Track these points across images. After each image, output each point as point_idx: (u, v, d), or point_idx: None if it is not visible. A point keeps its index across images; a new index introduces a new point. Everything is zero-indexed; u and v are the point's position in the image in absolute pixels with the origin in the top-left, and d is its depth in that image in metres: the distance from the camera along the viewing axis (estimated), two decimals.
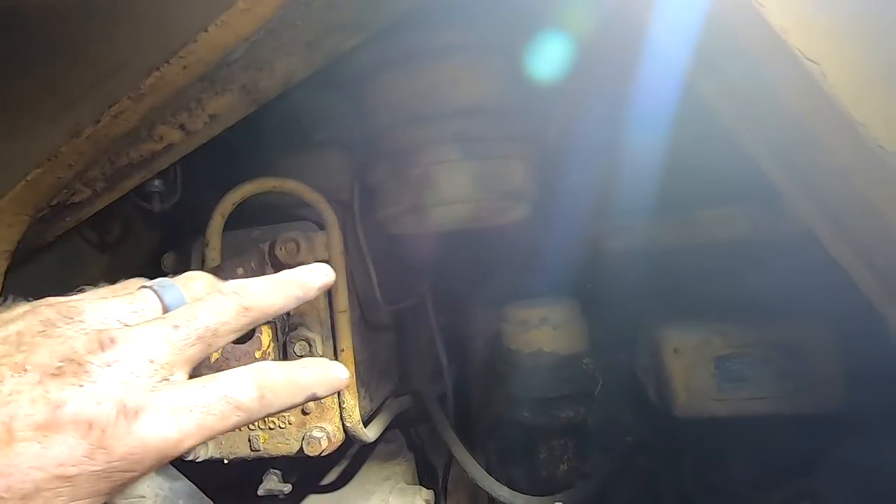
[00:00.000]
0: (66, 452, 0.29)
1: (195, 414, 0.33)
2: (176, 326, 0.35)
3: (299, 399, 0.38)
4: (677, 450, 1.02)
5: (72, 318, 0.34)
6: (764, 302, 0.92)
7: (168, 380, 0.34)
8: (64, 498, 0.30)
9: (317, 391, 0.39)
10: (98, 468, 0.30)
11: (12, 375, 0.31)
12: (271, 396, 0.36)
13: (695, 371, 0.89)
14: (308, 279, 0.43)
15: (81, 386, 0.31)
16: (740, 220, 0.93)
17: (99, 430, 0.30)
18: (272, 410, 0.36)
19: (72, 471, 0.29)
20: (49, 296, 0.37)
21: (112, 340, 0.33)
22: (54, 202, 0.70)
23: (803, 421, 0.86)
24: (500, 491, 0.96)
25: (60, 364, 0.31)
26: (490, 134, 0.90)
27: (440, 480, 1.14)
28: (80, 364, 0.32)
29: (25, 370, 0.31)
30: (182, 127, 0.70)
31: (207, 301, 0.38)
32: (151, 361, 0.33)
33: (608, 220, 1.02)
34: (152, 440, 0.31)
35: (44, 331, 0.33)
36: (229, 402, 0.34)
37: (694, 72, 0.62)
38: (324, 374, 0.40)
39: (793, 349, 0.85)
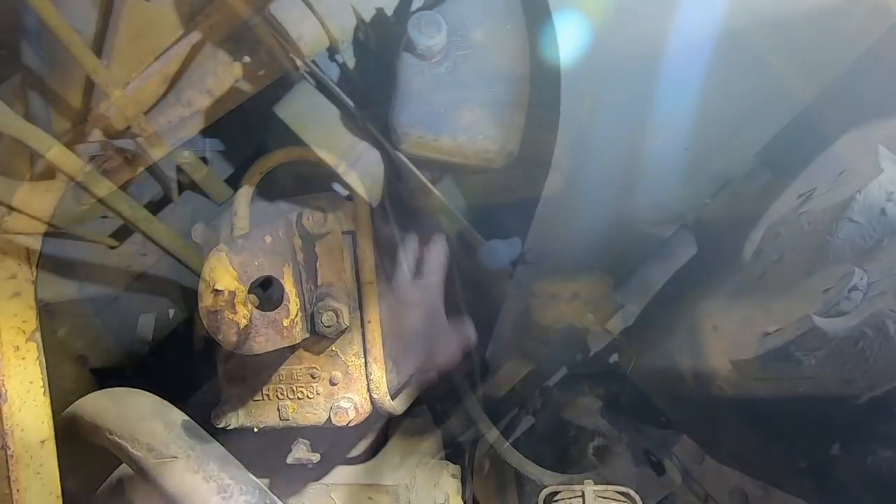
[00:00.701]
0: None
1: None
2: None
3: None
4: (716, 432, 0.98)
5: None
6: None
7: None
8: None
9: None
10: None
11: None
12: None
13: (736, 349, 0.85)
14: None
15: None
16: (785, 190, 0.87)
17: None
18: None
19: None
20: None
21: None
22: (87, 169, 0.71)
23: (857, 404, 0.80)
24: (527, 468, 0.95)
25: None
26: (521, 102, 0.86)
27: (467, 455, 1.13)
28: None
29: None
30: (209, 92, 0.69)
31: None
32: None
33: (644, 193, 0.97)
34: None
35: None
36: None
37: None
38: None
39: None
